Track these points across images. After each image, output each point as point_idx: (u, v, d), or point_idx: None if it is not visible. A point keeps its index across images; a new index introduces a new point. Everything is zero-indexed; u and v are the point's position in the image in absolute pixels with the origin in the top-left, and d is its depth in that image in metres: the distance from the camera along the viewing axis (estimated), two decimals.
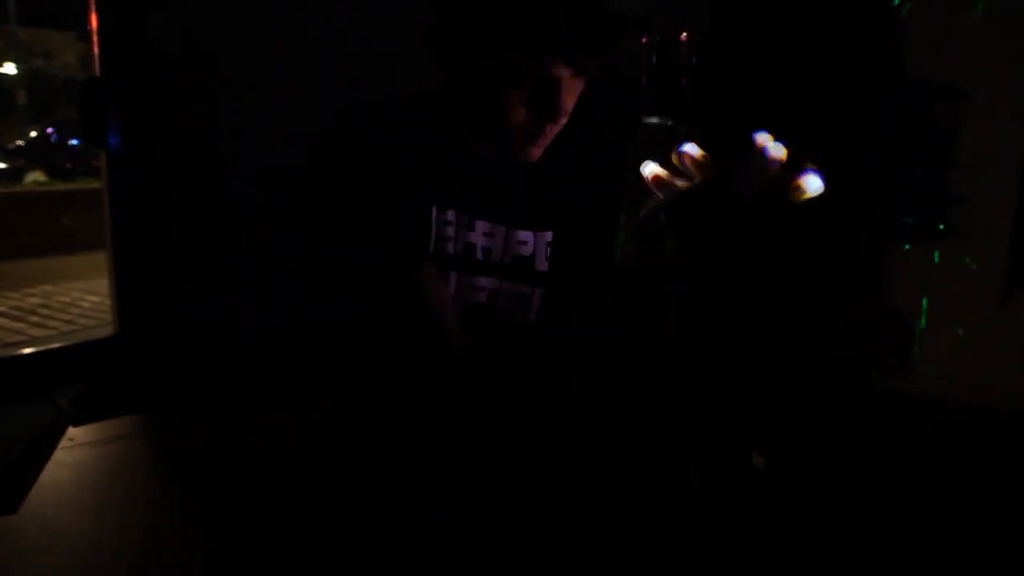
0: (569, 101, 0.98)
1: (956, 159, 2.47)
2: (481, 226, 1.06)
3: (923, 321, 2.62)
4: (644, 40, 1.50)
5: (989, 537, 1.54)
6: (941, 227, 2.50)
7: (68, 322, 4.58)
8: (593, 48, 0.95)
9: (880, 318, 2.60)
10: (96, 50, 2.22)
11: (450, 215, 1.04)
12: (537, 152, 1.02)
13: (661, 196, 0.82)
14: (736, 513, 1.39)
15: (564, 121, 0.99)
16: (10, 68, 19.38)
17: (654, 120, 1.51)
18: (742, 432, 1.59)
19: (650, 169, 0.81)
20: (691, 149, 0.81)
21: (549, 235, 1.08)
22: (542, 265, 1.07)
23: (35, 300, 5.24)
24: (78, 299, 5.23)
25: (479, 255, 1.05)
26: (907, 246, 2.57)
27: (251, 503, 1.73)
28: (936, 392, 2.47)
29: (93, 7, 2.15)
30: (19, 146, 13.99)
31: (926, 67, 2.41)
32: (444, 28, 0.98)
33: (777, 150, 0.77)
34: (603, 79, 1.58)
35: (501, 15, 0.93)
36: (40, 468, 1.99)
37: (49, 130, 14.42)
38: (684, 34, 1.47)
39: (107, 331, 2.69)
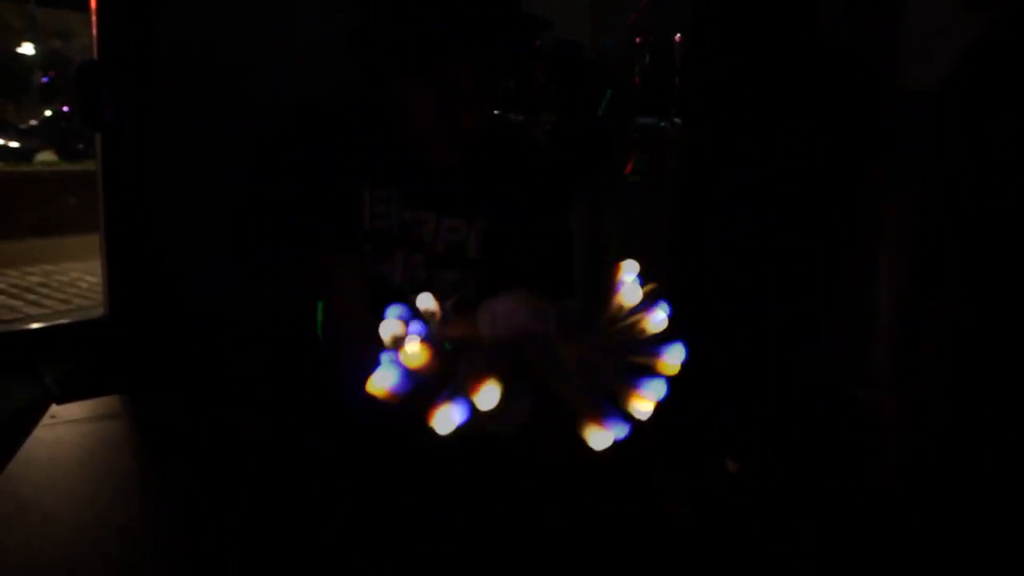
0: (477, 102, 0.97)
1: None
2: (413, 214, 1.07)
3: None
4: (638, 41, 1.49)
5: (969, 550, 1.52)
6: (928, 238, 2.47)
7: (64, 301, 4.59)
8: (491, 49, 0.95)
9: (866, 327, 2.58)
10: (94, 31, 2.23)
11: (383, 193, 1.05)
12: (451, 155, 1.01)
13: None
14: (708, 521, 1.38)
15: (474, 123, 0.98)
16: (28, 48, 19.44)
17: (647, 120, 1.50)
18: (714, 437, 1.58)
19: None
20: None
21: (482, 222, 1.07)
22: (474, 252, 1.06)
23: (34, 279, 5.25)
24: (77, 279, 5.25)
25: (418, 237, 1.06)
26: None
27: (232, 489, 1.73)
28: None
29: None
30: (32, 126, 14.05)
31: (923, 76, 2.40)
32: (359, 31, 1.00)
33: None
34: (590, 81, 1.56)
35: (401, 17, 0.94)
36: (18, 445, 1.99)
37: (65, 108, 14.49)
38: (677, 35, 1.45)
39: (100, 311, 2.69)
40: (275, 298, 1.01)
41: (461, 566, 1.01)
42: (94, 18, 2.18)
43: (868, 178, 2.26)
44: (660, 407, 0.62)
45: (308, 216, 1.04)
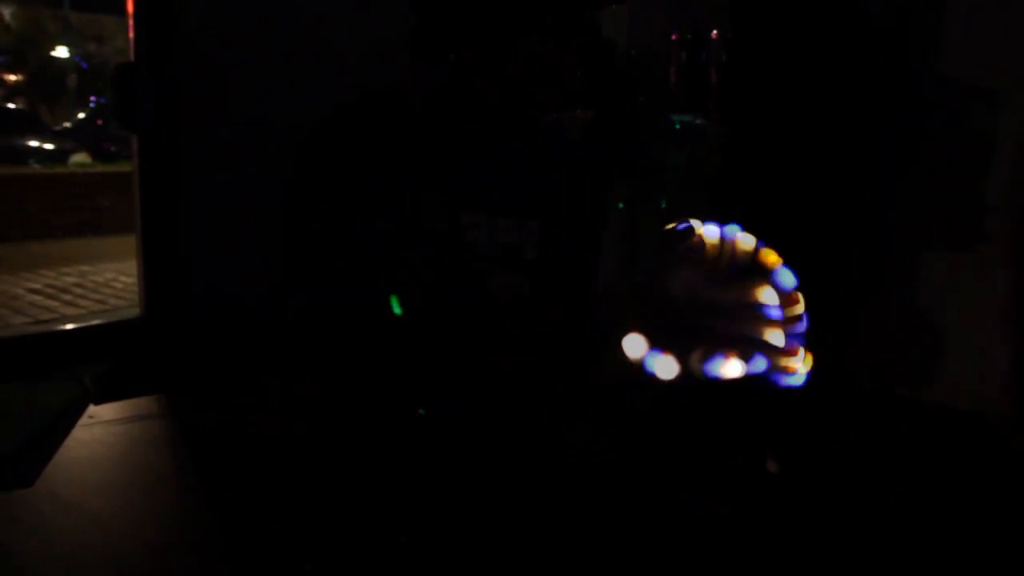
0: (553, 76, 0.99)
1: (991, 163, 2.39)
2: (466, 217, 1.05)
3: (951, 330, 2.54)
4: (674, 37, 1.48)
5: (1007, 550, 1.49)
6: (973, 233, 2.41)
7: (100, 302, 4.65)
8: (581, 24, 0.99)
9: (908, 326, 2.53)
10: (131, 35, 2.24)
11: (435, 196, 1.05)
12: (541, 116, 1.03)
13: None
14: (745, 519, 1.36)
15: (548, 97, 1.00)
16: (63, 52, 19.74)
17: (683, 117, 1.48)
18: (752, 437, 1.56)
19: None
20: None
21: (535, 224, 1.05)
22: (531, 254, 1.04)
23: (70, 279, 5.32)
24: (112, 280, 5.31)
25: (473, 241, 1.05)
26: (937, 252, 2.50)
27: (258, 488, 1.74)
28: (963, 404, 2.39)
29: None
30: (66, 128, 14.26)
31: (963, 68, 2.34)
32: (437, 38, 1.00)
33: None
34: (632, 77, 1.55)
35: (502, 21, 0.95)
36: (58, 444, 2.01)
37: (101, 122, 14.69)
38: (714, 32, 1.44)
39: (135, 312, 2.72)
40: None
41: (456, 559, 1.01)
42: (131, 21, 2.20)
43: (911, 172, 2.22)
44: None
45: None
